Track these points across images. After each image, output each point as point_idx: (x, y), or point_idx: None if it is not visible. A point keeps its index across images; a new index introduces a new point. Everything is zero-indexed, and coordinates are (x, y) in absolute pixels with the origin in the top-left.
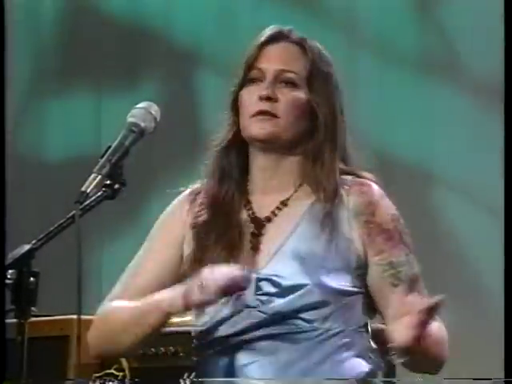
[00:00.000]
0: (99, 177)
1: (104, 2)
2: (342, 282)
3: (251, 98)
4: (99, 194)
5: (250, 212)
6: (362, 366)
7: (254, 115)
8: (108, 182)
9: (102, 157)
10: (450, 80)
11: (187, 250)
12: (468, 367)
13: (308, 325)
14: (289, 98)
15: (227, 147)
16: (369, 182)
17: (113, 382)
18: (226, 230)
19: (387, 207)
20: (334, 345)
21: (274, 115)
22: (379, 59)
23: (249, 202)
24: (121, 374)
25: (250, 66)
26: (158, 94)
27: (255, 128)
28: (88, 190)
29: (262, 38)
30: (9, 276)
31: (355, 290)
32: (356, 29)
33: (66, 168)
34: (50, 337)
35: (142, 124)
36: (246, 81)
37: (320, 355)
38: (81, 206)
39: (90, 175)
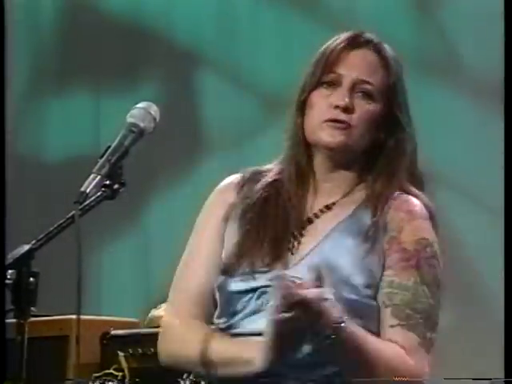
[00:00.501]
0: (98, 177)
1: (104, 2)
2: (364, 298)
3: (324, 103)
4: (99, 194)
5: (297, 211)
6: None
7: (326, 121)
8: (107, 182)
9: (102, 157)
10: (450, 80)
11: (229, 239)
12: (468, 367)
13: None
14: (364, 110)
15: (291, 145)
16: (414, 199)
17: (112, 382)
18: (272, 223)
19: (417, 229)
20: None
21: (348, 125)
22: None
23: (299, 200)
24: (120, 374)
25: (328, 69)
26: (158, 94)
27: (326, 135)
28: (87, 190)
29: (343, 43)
30: (8, 276)
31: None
32: (355, 29)
33: (65, 168)
34: (49, 337)
35: (142, 124)
36: (320, 83)
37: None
38: (80, 206)
39: (89, 175)
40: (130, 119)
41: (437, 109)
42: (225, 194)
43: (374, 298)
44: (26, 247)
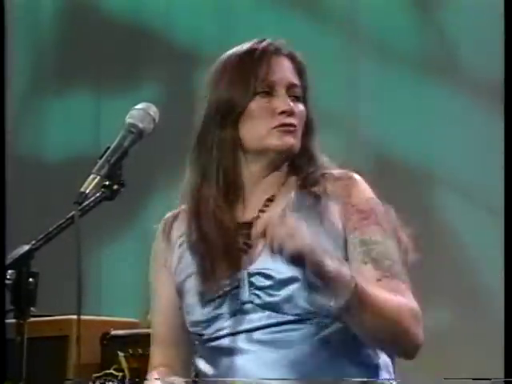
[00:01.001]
0: (98, 177)
1: (104, 2)
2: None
3: (266, 111)
4: (98, 194)
5: (239, 215)
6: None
7: (275, 127)
8: (107, 182)
9: (101, 157)
10: (450, 80)
11: (180, 276)
12: (468, 367)
13: (303, 316)
14: (299, 110)
15: (214, 155)
16: (348, 171)
17: (112, 382)
18: (218, 240)
19: (363, 190)
20: (331, 332)
21: (295, 128)
22: (379, 60)
23: (235, 207)
24: (120, 374)
25: (260, 78)
26: (158, 95)
27: (277, 140)
28: (87, 191)
29: (262, 51)
30: (8, 276)
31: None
32: (356, 29)
33: (65, 168)
34: (49, 337)
35: (141, 125)
36: (255, 93)
37: (317, 345)
38: (80, 207)
39: (88, 176)
40: (129, 120)
41: (436, 108)
42: (156, 244)
43: None
44: (26, 247)
